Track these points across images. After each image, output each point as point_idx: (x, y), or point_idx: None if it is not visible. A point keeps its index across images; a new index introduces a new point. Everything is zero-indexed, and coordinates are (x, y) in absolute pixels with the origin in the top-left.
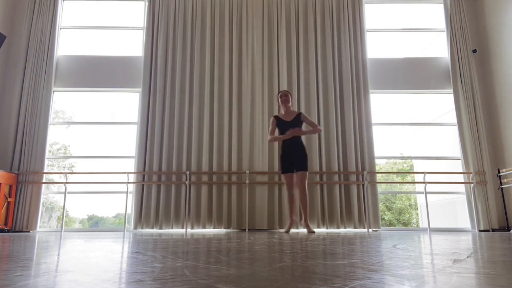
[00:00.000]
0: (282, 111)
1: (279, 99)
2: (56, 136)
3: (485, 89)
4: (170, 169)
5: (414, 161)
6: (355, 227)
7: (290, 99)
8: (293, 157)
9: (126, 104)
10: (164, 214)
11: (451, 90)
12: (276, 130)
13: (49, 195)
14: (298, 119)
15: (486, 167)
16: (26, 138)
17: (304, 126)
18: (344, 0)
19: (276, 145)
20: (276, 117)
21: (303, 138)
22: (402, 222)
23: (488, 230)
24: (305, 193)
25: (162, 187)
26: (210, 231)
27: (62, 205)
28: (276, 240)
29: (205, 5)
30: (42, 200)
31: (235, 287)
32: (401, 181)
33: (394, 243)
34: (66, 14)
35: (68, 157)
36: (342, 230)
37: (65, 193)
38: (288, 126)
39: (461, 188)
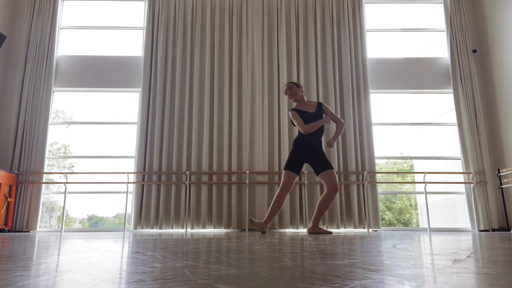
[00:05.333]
0: (299, 104)
1: (286, 95)
2: (56, 136)
3: (485, 89)
4: (170, 169)
5: (414, 161)
6: (355, 227)
7: (299, 89)
8: (311, 157)
9: (126, 104)
10: (164, 214)
11: (451, 90)
12: None
13: (49, 195)
14: (320, 110)
15: (486, 167)
16: (26, 138)
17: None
18: (344, 0)
19: (277, 144)
20: (295, 110)
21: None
22: (402, 222)
23: (488, 230)
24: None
25: (162, 187)
26: (210, 231)
27: (62, 205)
28: (276, 240)
29: (205, 5)
30: (42, 200)
31: (235, 287)
32: (401, 181)
33: (394, 243)
34: (66, 14)
35: (68, 157)
36: (342, 230)
37: (65, 193)
38: (313, 117)
39: (461, 188)
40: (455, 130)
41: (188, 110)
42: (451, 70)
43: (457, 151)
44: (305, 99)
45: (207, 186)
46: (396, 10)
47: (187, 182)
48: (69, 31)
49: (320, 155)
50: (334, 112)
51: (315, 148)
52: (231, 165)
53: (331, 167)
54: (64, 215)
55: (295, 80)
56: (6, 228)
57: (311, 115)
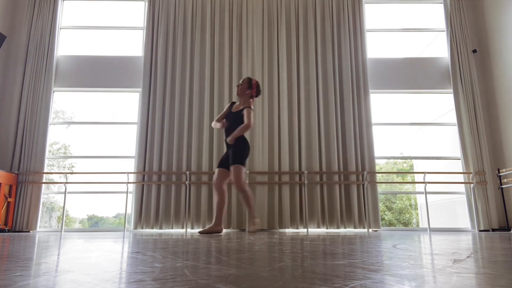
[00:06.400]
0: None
1: None
2: (56, 136)
3: (485, 89)
4: (170, 169)
5: (414, 161)
6: (355, 227)
7: (246, 88)
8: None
9: (126, 104)
10: (164, 214)
11: (451, 90)
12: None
13: (49, 195)
14: (239, 113)
15: (486, 167)
16: (26, 138)
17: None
18: (344, 0)
19: (277, 144)
20: (232, 103)
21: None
22: (402, 222)
23: (488, 230)
24: (243, 190)
25: (162, 187)
26: None
27: (62, 205)
28: (276, 240)
29: (205, 5)
30: (42, 200)
31: (235, 287)
32: (401, 181)
33: (394, 243)
34: (66, 14)
35: (68, 157)
36: (342, 230)
37: (65, 193)
38: (229, 116)
39: (461, 188)
40: (455, 130)
41: (188, 110)
42: (451, 70)
43: (457, 151)
44: (243, 101)
45: (207, 186)
46: (396, 10)
47: (187, 182)
48: (69, 31)
49: (230, 152)
50: (250, 117)
51: (228, 146)
52: None
53: (232, 163)
54: (64, 215)
55: (295, 80)
56: (6, 228)
57: (230, 114)
